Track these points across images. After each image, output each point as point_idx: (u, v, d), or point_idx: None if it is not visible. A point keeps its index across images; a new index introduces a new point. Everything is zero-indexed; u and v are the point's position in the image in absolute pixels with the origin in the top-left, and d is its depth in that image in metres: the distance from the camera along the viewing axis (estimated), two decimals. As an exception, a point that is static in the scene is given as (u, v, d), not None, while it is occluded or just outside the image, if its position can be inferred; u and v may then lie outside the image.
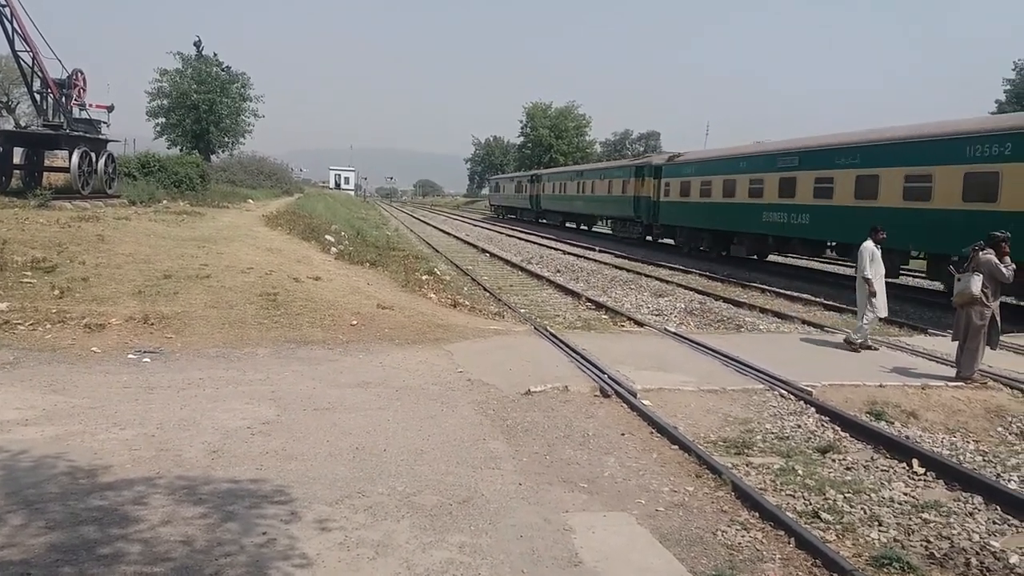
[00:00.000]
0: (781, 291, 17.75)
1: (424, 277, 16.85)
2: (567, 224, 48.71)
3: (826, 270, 24.83)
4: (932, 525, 5.36)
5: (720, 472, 5.77)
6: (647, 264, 24.34)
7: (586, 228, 46.44)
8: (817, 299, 16.44)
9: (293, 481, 5.24)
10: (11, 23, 20.46)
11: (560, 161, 77.71)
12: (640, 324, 12.70)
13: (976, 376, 8.90)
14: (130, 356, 8.54)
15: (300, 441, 6.08)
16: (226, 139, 50.31)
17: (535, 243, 33.46)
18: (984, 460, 6.91)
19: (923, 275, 19.69)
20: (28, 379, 7.46)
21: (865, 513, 5.49)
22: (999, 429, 7.81)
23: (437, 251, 27.59)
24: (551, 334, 10.93)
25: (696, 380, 8.56)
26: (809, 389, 8.34)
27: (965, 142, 15.33)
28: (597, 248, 30.23)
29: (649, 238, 34.08)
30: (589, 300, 15.49)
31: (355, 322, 10.56)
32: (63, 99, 22.31)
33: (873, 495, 5.82)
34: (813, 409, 7.88)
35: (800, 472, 6.18)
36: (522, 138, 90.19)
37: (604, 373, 8.50)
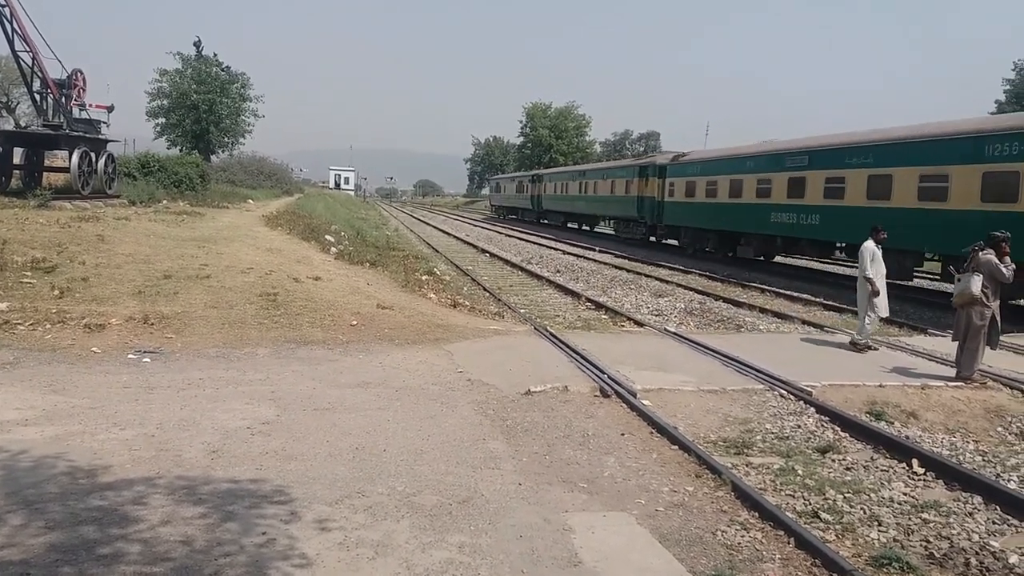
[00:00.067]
0: (781, 291, 17.75)
1: (424, 277, 16.86)
2: (569, 225, 48.40)
3: (826, 270, 24.82)
4: (932, 525, 5.36)
5: (720, 472, 5.77)
6: (647, 264, 24.34)
7: (588, 229, 46.15)
8: (817, 299, 16.43)
9: (293, 481, 5.24)
10: (11, 23, 20.46)
11: (560, 161, 77.69)
12: (640, 324, 12.70)
13: (976, 376, 8.90)
14: (130, 356, 8.54)
15: (300, 441, 6.08)
16: (226, 139, 50.31)
17: (535, 243, 33.46)
18: (984, 460, 6.91)
19: (937, 278, 19.40)
20: (28, 379, 7.46)
21: (865, 513, 5.49)
22: (999, 429, 7.81)
23: (437, 251, 27.59)
24: (551, 334, 10.93)
25: (696, 380, 8.56)
26: (809, 389, 8.34)
27: (984, 141, 14.95)
28: (597, 248, 30.23)
29: (653, 239, 33.70)
30: (589, 300, 15.49)
31: (355, 322, 10.56)
32: (63, 99, 22.30)
33: (873, 495, 5.82)
34: (813, 409, 7.88)
35: (800, 472, 6.18)
36: (522, 138, 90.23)
37: (604, 373, 8.50)
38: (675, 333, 11.66)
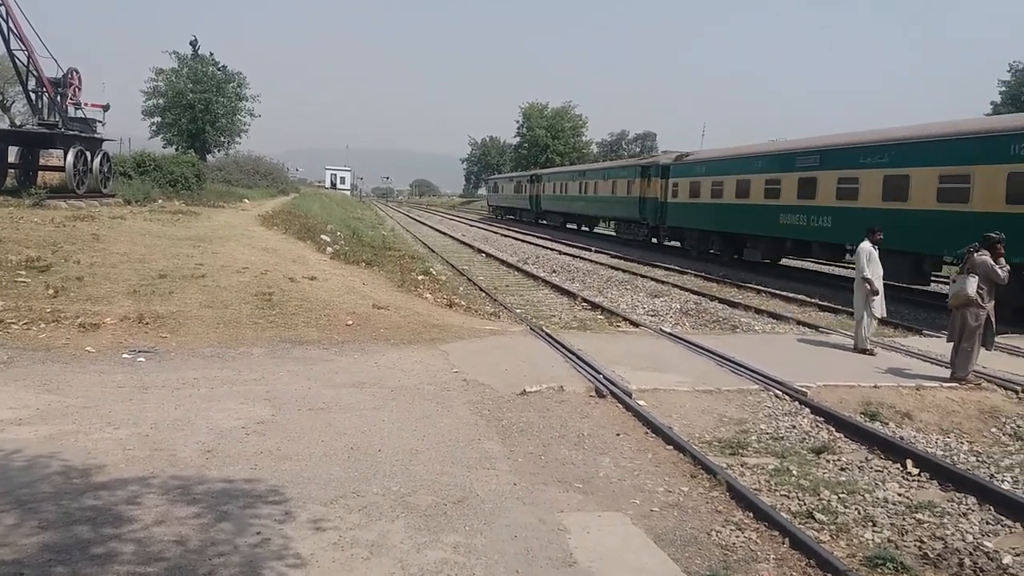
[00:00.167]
0: (776, 292, 17.75)
1: (420, 277, 16.85)
2: (568, 225, 47.75)
3: (821, 271, 24.86)
4: (926, 525, 5.37)
5: (715, 472, 5.78)
6: (643, 264, 24.34)
7: (587, 229, 45.55)
8: (812, 300, 16.44)
9: (287, 481, 5.23)
10: (7, 22, 20.41)
11: (556, 161, 77.68)
12: (636, 324, 12.71)
13: (970, 377, 8.93)
14: (124, 355, 8.52)
15: (295, 441, 6.07)
16: (222, 138, 50.18)
17: (532, 244, 33.44)
18: (978, 461, 6.92)
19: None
20: (22, 378, 7.44)
21: (859, 513, 5.50)
22: (993, 430, 7.83)
23: (433, 251, 27.56)
24: (547, 334, 10.93)
25: (691, 380, 8.57)
26: (804, 390, 8.35)
27: (1010, 139, 14.07)
28: (594, 248, 30.23)
29: (655, 240, 32.87)
30: (585, 300, 15.49)
31: (350, 322, 10.55)
32: (58, 98, 22.26)
33: (867, 495, 5.83)
34: (808, 410, 7.89)
35: (795, 472, 6.19)
36: (518, 138, 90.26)
37: (599, 373, 8.50)
38: (671, 333, 11.67)
